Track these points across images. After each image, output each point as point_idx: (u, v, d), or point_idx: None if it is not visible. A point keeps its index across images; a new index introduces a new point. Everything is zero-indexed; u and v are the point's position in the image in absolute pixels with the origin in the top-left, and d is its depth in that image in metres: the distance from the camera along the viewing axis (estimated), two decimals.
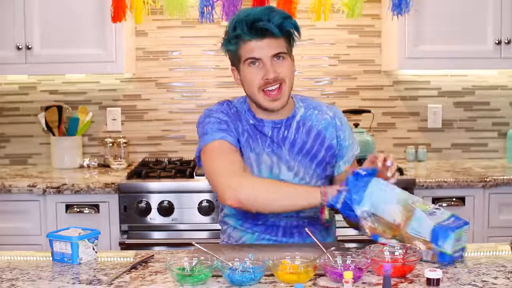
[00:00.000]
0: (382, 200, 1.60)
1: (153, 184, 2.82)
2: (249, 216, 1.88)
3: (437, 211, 1.60)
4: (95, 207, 2.84)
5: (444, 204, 2.84)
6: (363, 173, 1.64)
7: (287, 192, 1.70)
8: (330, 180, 1.94)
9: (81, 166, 3.34)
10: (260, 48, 1.76)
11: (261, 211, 1.75)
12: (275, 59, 1.78)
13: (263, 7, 1.78)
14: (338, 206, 1.63)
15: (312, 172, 1.86)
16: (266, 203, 1.71)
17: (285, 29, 1.77)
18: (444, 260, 1.55)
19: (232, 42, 1.79)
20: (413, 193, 2.80)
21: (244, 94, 1.89)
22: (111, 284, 1.46)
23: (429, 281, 1.37)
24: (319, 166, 1.87)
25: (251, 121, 1.88)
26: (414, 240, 1.56)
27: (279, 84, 1.78)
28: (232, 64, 1.86)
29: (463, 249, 1.60)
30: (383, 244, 1.58)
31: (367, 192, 1.61)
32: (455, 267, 1.54)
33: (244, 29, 1.74)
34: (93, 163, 3.34)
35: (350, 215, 1.62)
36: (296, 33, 1.81)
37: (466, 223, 1.60)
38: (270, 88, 1.78)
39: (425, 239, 1.55)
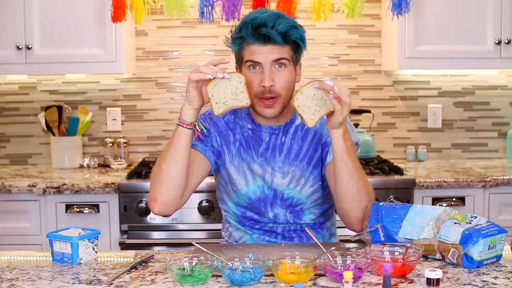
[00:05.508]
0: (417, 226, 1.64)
1: None
2: (247, 218, 1.89)
3: (473, 220, 1.58)
4: (95, 207, 2.84)
5: (444, 204, 2.84)
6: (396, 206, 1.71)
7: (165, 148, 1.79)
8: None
9: (81, 166, 3.34)
10: (261, 52, 1.73)
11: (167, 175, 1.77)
12: (276, 66, 1.75)
13: (272, 13, 1.75)
14: (383, 239, 1.67)
15: (309, 174, 1.86)
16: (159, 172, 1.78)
17: (289, 38, 1.74)
18: (469, 266, 1.52)
19: (236, 43, 1.78)
20: (413, 194, 2.83)
21: None
22: (111, 284, 1.46)
23: (429, 281, 1.37)
24: (316, 167, 1.87)
25: (249, 126, 1.88)
26: (448, 246, 1.54)
27: (274, 96, 1.77)
28: (236, 62, 1.86)
29: (498, 257, 1.56)
30: (383, 244, 1.58)
31: (404, 222, 1.66)
32: (455, 266, 1.54)
33: (248, 32, 1.72)
34: (93, 163, 3.34)
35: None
36: (301, 43, 1.77)
37: (503, 231, 1.56)
38: (265, 96, 1.76)
39: (454, 243, 1.53)
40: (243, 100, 1.67)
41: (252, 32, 1.72)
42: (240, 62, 1.81)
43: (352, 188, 1.71)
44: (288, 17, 1.78)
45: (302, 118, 1.67)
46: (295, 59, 1.80)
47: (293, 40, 1.75)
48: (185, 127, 1.72)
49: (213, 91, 1.66)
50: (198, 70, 1.64)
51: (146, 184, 2.82)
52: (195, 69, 1.65)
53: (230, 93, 1.66)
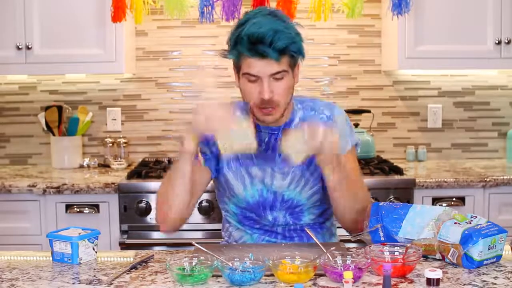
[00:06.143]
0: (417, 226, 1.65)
1: (153, 184, 2.81)
2: (247, 218, 1.89)
3: (473, 220, 1.58)
4: (95, 207, 2.84)
5: (444, 204, 2.84)
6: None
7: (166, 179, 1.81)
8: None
9: (81, 166, 3.34)
10: (259, 66, 1.69)
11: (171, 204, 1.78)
12: (274, 77, 1.71)
13: (271, 27, 1.65)
14: (383, 239, 1.68)
15: (309, 175, 1.86)
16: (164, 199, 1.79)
17: (288, 53, 1.70)
18: (469, 266, 1.52)
19: (233, 53, 1.74)
20: (413, 194, 2.83)
21: None
22: (111, 284, 1.46)
23: (429, 281, 1.37)
24: (316, 168, 1.86)
25: None
26: (448, 246, 1.55)
27: (274, 105, 1.75)
28: (234, 66, 1.84)
29: (498, 257, 1.56)
30: (383, 244, 1.58)
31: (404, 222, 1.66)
32: (455, 266, 1.54)
33: (244, 48, 1.68)
34: (93, 163, 3.34)
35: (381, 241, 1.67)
36: (300, 56, 1.74)
37: (503, 231, 1.56)
38: (265, 107, 1.75)
39: (454, 243, 1.53)
40: (251, 143, 1.68)
41: (249, 47, 1.67)
42: (237, 69, 1.78)
43: (348, 201, 1.77)
44: (288, 28, 1.70)
45: (289, 155, 1.68)
46: (294, 64, 1.76)
47: (292, 54, 1.72)
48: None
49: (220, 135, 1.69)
50: (205, 127, 1.66)
51: (146, 184, 2.82)
52: (197, 120, 1.67)
53: (237, 136, 1.67)
